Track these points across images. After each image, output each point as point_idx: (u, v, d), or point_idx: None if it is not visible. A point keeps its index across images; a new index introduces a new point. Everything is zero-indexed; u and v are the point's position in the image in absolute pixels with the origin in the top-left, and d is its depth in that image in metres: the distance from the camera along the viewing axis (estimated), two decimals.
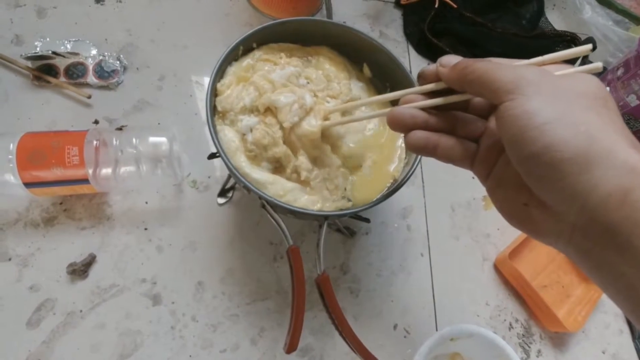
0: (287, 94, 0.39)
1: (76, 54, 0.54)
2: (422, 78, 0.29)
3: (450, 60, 0.27)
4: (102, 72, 0.54)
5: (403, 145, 0.46)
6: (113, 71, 0.54)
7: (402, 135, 0.46)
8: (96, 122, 0.52)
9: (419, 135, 0.28)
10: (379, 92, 0.48)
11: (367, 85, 0.48)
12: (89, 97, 0.52)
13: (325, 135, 0.41)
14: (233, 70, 0.43)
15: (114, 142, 0.44)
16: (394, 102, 0.32)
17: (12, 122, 0.50)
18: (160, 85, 0.56)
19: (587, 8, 0.75)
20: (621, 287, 0.20)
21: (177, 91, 0.56)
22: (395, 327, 0.49)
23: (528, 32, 0.74)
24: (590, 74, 0.24)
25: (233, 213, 0.51)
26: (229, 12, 0.64)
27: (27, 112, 0.51)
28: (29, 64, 0.52)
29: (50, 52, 0.52)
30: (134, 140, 0.44)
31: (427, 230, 0.56)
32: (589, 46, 0.25)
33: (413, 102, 0.29)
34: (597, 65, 0.24)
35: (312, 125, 0.39)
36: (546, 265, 0.57)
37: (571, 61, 0.26)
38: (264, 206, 0.39)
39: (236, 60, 0.43)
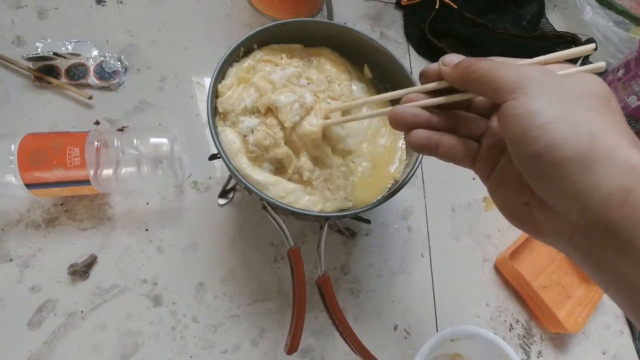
0: (287, 94, 0.39)
1: (77, 55, 0.54)
2: (424, 77, 0.29)
3: (453, 59, 0.27)
4: (103, 73, 0.54)
5: (404, 146, 0.46)
6: (114, 72, 0.54)
7: (403, 136, 0.46)
8: (97, 123, 0.52)
9: (420, 134, 0.28)
10: (380, 93, 0.48)
11: (367, 86, 0.48)
12: (90, 98, 0.52)
13: (326, 136, 0.41)
14: (234, 71, 0.43)
15: (115, 143, 0.44)
16: (395, 102, 0.32)
17: (13, 123, 0.50)
18: (161, 86, 0.56)
19: (587, 9, 0.75)
20: (622, 287, 0.20)
21: (178, 92, 0.56)
22: (395, 327, 0.49)
23: (528, 33, 0.74)
24: (593, 73, 0.24)
25: (234, 214, 0.51)
26: (230, 13, 0.64)
27: (28, 113, 0.51)
28: (30, 65, 0.52)
29: (51, 53, 0.52)
30: (135, 141, 0.44)
31: (428, 231, 0.56)
32: (592, 45, 0.25)
33: (415, 101, 0.29)
34: (600, 64, 0.24)
35: (313, 124, 0.39)
36: (547, 266, 0.57)
37: (573, 61, 0.26)
38: (265, 207, 0.39)
39: (237, 61, 0.43)
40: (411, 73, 0.44)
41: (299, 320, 0.35)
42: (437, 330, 0.51)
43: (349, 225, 0.53)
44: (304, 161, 0.40)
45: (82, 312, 0.43)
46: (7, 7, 0.56)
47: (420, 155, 0.41)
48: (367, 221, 0.53)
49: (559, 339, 0.53)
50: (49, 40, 0.54)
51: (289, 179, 0.40)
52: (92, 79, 0.53)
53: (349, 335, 0.36)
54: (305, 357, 0.46)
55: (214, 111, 0.40)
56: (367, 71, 0.48)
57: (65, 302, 0.43)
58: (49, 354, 0.41)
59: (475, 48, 0.70)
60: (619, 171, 0.19)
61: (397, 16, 0.74)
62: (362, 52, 0.47)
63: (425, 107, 0.28)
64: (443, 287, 0.53)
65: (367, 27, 0.71)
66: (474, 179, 0.61)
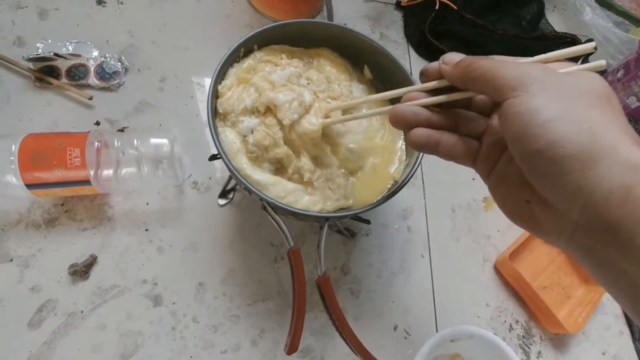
0: (285, 92, 0.39)
1: (78, 55, 0.54)
2: (425, 75, 0.29)
3: (453, 57, 0.27)
4: (103, 73, 0.54)
5: (403, 146, 0.46)
6: (114, 72, 0.54)
7: (402, 137, 0.46)
8: (97, 123, 0.52)
9: (421, 132, 0.28)
10: None
11: (367, 87, 0.48)
12: (91, 98, 0.52)
13: (326, 135, 0.41)
14: (234, 71, 0.43)
15: (116, 143, 0.44)
16: (395, 101, 0.32)
17: (13, 123, 0.50)
18: (161, 86, 0.56)
19: (587, 10, 0.75)
20: (623, 285, 0.20)
21: (178, 92, 0.56)
22: (395, 328, 0.49)
23: (528, 34, 0.75)
24: (594, 71, 0.24)
25: (234, 214, 0.51)
26: (230, 13, 0.65)
27: (29, 114, 0.51)
28: (31, 65, 0.52)
29: (51, 53, 0.52)
30: (135, 141, 0.44)
31: (428, 232, 0.56)
32: (592, 44, 0.25)
33: (415, 100, 0.29)
34: (601, 62, 0.24)
35: (312, 123, 0.39)
36: (546, 267, 0.57)
37: (573, 61, 0.26)
38: (264, 208, 0.39)
39: (237, 61, 0.43)
40: (411, 74, 0.44)
41: (298, 320, 0.35)
42: (437, 331, 0.51)
43: (349, 226, 0.53)
44: (305, 162, 0.40)
45: (82, 312, 0.43)
46: (7, 8, 0.56)
47: (420, 155, 0.41)
48: (367, 221, 0.53)
49: (559, 340, 0.53)
50: (50, 40, 0.54)
51: (289, 179, 0.40)
52: (92, 80, 0.53)
53: (348, 335, 0.37)
54: (305, 357, 0.46)
55: (214, 111, 0.41)
56: (367, 72, 0.48)
57: (65, 302, 0.43)
58: (49, 354, 0.41)
59: (475, 49, 0.71)
60: (620, 169, 0.19)
61: (397, 17, 0.74)
62: (362, 53, 0.47)
63: (426, 106, 0.28)
64: (443, 287, 0.53)
65: (367, 27, 0.71)
66: (473, 179, 0.61)
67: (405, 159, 0.45)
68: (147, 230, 0.48)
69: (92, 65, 0.54)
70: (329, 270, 0.50)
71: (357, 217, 0.51)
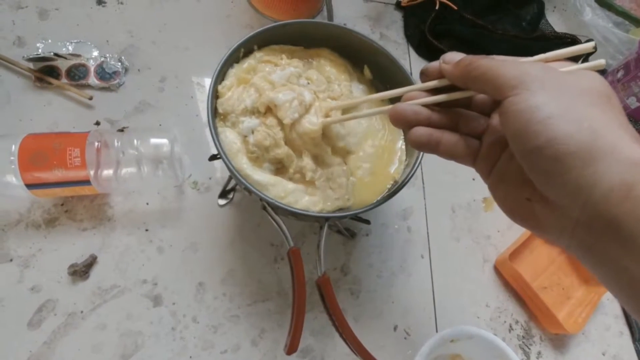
0: (285, 92, 0.39)
1: (78, 55, 0.54)
2: (425, 75, 0.29)
3: (454, 56, 0.27)
4: (103, 73, 0.54)
5: (403, 147, 0.46)
6: (114, 73, 0.54)
7: (402, 137, 0.46)
8: (97, 123, 0.52)
9: (421, 131, 0.28)
10: None
11: (368, 87, 0.48)
12: (91, 98, 0.52)
13: (326, 135, 0.41)
14: (234, 72, 0.43)
15: (116, 143, 0.44)
16: (395, 101, 0.32)
17: (14, 123, 0.50)
18: (161, 86, 0.56)
19: (587, 10, 0.75)
20: (624, 283, 0.21)
21: (178, 93, 0.56)
22: (395, 328, 0.49)
23: (528, 34, 0.75)
24: (594, 71, 0.24)
25: (234, 214, 0.51)
26: (230, 13, 0.65)
27: (29, 114, 0.51)
28: (31, 65, 0.52)
29: (52, 53, 0.52)
30: (135, 141, 0.44)
31: (428, 232, 0.56)
32: (592, 43, 0.25)
33: (416, 99, 0.29)
34: (600, 62, 0.24)
35: (313, 123, 0.39)
36: (546, 267, 0.57)
37: (574, 61, 0.26)
38: (264, 208, 0.39)
39: (237, 62, 0.43)
40: (411, 74, 0.44)
41: (298, 320, 0.35)
42: (436, 331, 0.51)
43: (348, 226, 0.53)
44: (307, 162, 0.40)
45: (82, 312, 0.43)
46: (8, 8, 0.56)
47: (420, 155, 0.41)
48: (367, 222, 0.53)
49: (559, 340, 0.53)
50: (50, 40, 0.54)
51: (290, 179, 0.40)
52: (92, 80, 0.53)
53: (348, 335, 0.36)
54: (305, 357, 0.46)
55: (214, 112, 0.41)
56: (367, 72, 0.48)
57: (65, 302, 0.43)
58: (49, 354, 0.41)
59: (475, 49, 0.71)
60: (620, 167, 0.19)
61: (397, 17, 0.74)
62: (362, 53, 0.47)
63: (426, 105, 0.28)
64: (443, 287, 0.53)
65: (367, 28, 0.71)
66: (473, 179, 0.61)
67: (405, 159, 0.45)
68: (147, 230, 0.48)
69: (92, 65, 0.54)
70: (329, 271, 0.50)
71: (357, 217, 0.51)
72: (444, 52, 0.28)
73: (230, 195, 0.51)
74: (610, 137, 0.20)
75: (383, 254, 0.53)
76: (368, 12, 0.72)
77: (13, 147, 0.40)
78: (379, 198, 0.41)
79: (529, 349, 0.52)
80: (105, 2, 0.60)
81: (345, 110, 0.42)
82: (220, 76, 0.42)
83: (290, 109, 0.38)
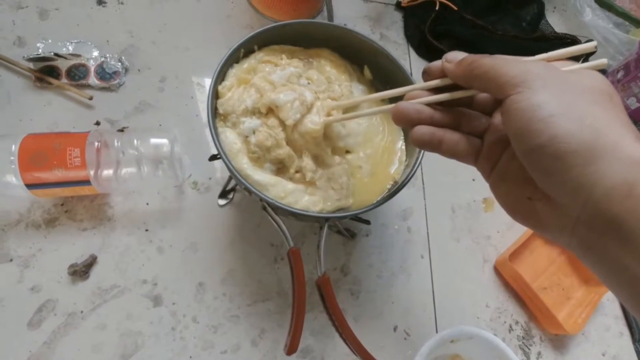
0: (287, 92, 0.39)
1: (78, 55, 0.54)
2: (427, 74, 0.29)
3: (456, 56, 0.27)
4: (103, 73, 0.54)
5: (403, 147, 0.46)
6: (114, 73, 0.54)
7: (402, 138, 0.46)
8: (98, 123, 0.52)
9: (423, 130, 0.28)
10: None
11: (368, 87, 0.48)
12: (91, 98, 0.52)
13: (326, 137, 0.41)
14: (234, 72, 0.43)
15: (116, 143, 0.44)
16: (395, 101, 0.32)
17: (14, 123, 0.50)
18: (161, 86, 0.56)
19: (587, 11, 0.75)
20: (624, 281, 0.21)
21: (178, 93, 0.56)
22: (395, 328, 0.49)
23: (528, 35, 0.75)
24: (595, 70, 0.24)
25: (234, 214, 0.51)
26: (230, 14, 0.65)
27: (29, 114, 0.51)
28: (31, 65, 0.52)
29: (52, 53, 0.52)
30: (135, 141, 0.44)
31: (428, 232, 0.56)
32: (594, 43, 0.25)
33: (418, 98, 0.29)
34: (602, 61, 0.24)
35: (315, 122, 0.39)
36: (546, 268, 0.57)
37: (575, 61, 0.26)
38: (265, 208, 0.39)
39: (237, 62, 0.43)
40: (411, 74, 0.44)
41: (298, 320, 0.35)
42: (436, 331, 0.51)
43: (348, 226, 0.53)
44: (307, 162, 0.40)
45: (82, 312, 0.43)
46: (8, 8, 0.56)
47: (420, 156, 0.41)
48: (367, 222, 0.53)
49: (559, 341, 0.53)
50: (50, 40, 0.54)
51: (291, 179, 0.40)
52: (92, 80, 0.53)
53: (348, 336, 0.37)
54: (305, 357, 0.46)
55: (214, 112, 0.41)
56: (367, 72, 0.48)
57: (65, 302, 0.43)
58: (49, 354, 0.41)
59: (475, 49, 0.70)
60: (622, 165, 0.19)
61: (397, 17, 0.74)
62: (362, 54, 0.47)
63: (428, 104, 0.29)
64: (443, 288, 0.53)
65: (367, 28, 0.71)
66: (473, 179, 0.61)
67: (405, 160, 0.45)
68: (147, 230, 0.48)
69: (92, 65, 0.54)
70: (329, 271, 0.50)
71: (357, 218, 0.51)
72: (444, 52, 0.28)
73: (230, 196, 0.51)
74: (612, 135, 0.20)
75: (383, 254, 0.53)
76: (368, 13, 0.72)
77: (13, 147, 0.40)
78: (379, 198, 0.41)
79: (529, 349, 0.52)
80: (105, 2, 0.60)
81: (346, 110, 0.42)
82: (221, 76, 0.42)
83: (292, 109, 0.38)
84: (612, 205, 0.19)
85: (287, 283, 0.48)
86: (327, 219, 0.39)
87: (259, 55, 0.44)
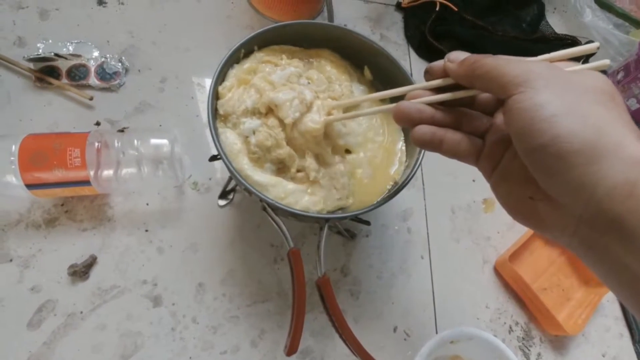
0: (286, 91, 0.39)
1: (78, 55, 0.54)
2: (429, 74, 0.29)
3: (459, 55, 0.27)
4: (104, 74, 0.54)
5: (403, 148, 0.46)
6: (115, 73, 0.54)
7: (402, 139, 0.46)
8: (98, 123, 0.52)
9: (425, 129, 0.28)
10: None
11: (368, 88, 0.48)
12: (91, 98, 0.52)
13: (327, 137, 0.41)
14: (234, 72, 0.43)
15: (116, 143, 0.44)
16: (396, 101, 0.32)
17: (14, 123, 0.50)
18: (161, 87, 0.56)
19: (587, 12, 0.75)
20: (625, 280, 0.21)
21: (178, 93, 0.57)
22: (395, 329, 0.49)
23: (529, 36, 0.75)
24: (598, 70, 0.24)
25: (234, 215, 0.51)
26: (230, 14, 0.65)
27: (29, 114, 0.51)
28: (31, 65, 0.52)
29: (52, 53, 0.52)
30: (135, 142, 0.44)
31: (428, 233, 0.56)
32: (596, 44, 0.25)
33: (419, 98, 0.29)
34: (605, 62, 0.24)
35: (315, 121, 0.39)
36: (546, 268, 0.57)
37: (576, 61, 0.26)
38: (265, 208, 0.39)
39: (237, 62, 0.43)
40: (411, 75, 0.44)
41: (298, 321, 0.35)
42: (436, 332, 0.51)
43: (348, 227, 0.53)
44: (310, 162, 0.40)
45: (81, 312, 0.43)
46: (8, 8, 0.56)
47: (420, 156, 0.41)
48: (367, 223, 0.53)
49: (559, 342, 0.53)
50: (50, 41, 0.54)
51: (292, 178, 0.40)
52: (92, 80, 0.53)
53: (348, 336, 0.36)
54: (305, 358, 0.46)
55: (214, 112, 0.41)
56: (367, 73, 0.48)
57: (65, 302, 0.43)
58: (49, 354, 0.41)
59: (475, 50, 0.69)
60: (624, 164, 0.20)
61: (398, 18, 0.74)
62: (363, 54, 0.47)
63: (429, 104, 0.29)
64: (443, 288, 0.53)
65: (367, 29, 0.71)
66: (473, 180, 0.61)
67: (405, 160, 0.45)
68: (147, 230, 0.48)
69: (92, 65, 0.54)
70: (329, 272, 0.50)
71: (357, 218, 0.51)
72: (444, 53, 0.29)
73: (230, 196, 0.51)
74: (614, 135, 0.20)
75: (383, 255, 0.53)
76: (368, 13, 0.72)
77: (13, 147, 0.40)
78: (379, 199, 0.41)
79: (529, 350, 0.52)
80: (105, 3, 0.60)
81: (347, 109, 0.42)
82: (221, 77, 0.42)
83: (291, 108, 0.38)
84: (614, 205, 0.19)
85: (287, 284, 0.48)
86: (327, 220, 0.39)
87: (259, 56, 0.44)
